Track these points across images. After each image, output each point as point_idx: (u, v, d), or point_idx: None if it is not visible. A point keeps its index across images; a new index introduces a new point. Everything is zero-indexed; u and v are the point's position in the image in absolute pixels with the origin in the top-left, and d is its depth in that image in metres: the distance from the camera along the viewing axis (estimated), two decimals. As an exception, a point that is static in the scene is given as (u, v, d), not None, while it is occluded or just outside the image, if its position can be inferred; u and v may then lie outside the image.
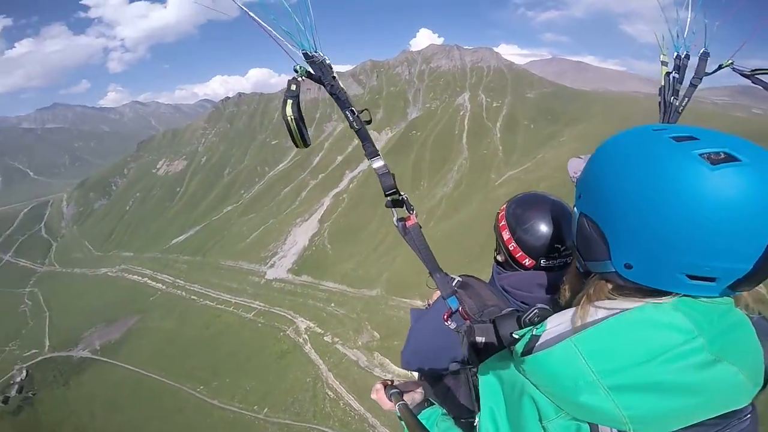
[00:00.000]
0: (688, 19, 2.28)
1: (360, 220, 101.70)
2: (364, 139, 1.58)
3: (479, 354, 1.56)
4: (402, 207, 1.67)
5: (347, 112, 1.53)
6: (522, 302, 1.83)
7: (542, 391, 1.05)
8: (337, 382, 55.29)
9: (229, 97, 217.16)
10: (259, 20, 1.37)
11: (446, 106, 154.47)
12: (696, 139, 0.93)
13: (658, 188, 0.91)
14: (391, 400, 1.58)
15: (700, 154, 0.89)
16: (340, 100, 1.52)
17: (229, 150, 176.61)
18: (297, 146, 1.46)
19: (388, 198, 1.60)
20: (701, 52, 2.29)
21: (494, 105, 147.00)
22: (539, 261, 1.94)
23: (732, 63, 2.25)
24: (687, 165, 0.89)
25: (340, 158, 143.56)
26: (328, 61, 1.50)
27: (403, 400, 1.41)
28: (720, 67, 2.27)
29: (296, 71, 1.42)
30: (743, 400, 1.00)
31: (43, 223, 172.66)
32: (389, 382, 1.71)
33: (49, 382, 70.45)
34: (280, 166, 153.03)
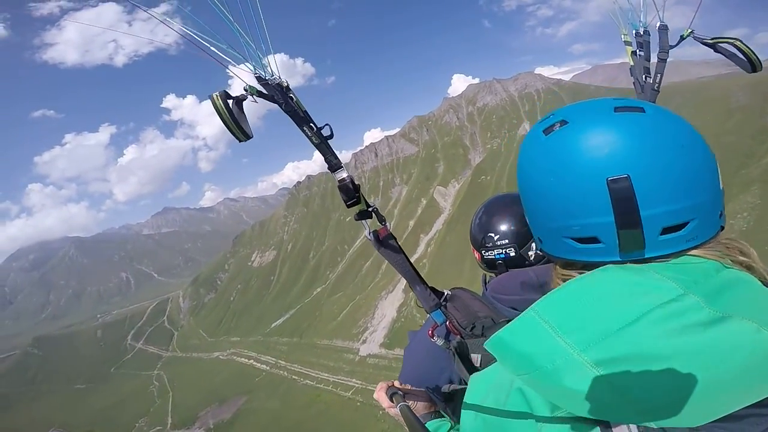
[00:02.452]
0: None
1: (445, 283, 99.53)
2: (325, 153, 1.54)
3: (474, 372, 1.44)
4: (371, 218, 1.61)
5: (304, 128, 1.52)
6: (512, 308, 1.58)
7: (523, 381, 0.82)
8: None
9: (300, 182, 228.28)
10: (212, 44, 1.39)
11: (509, 142, 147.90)
12: (553, 118, 0.96)
13: (519, 167, 1.00)
14: (392, 401, 1.41)
15: (544, 129, 0.94)
16: (297, 116, 1.51)
17: (310, 234, 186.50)
18: (231, 130, 1.36)
19: (349, 207, 1.56)
20: (658, 25, 2.22)
21: None
22: (481, 253, 1.91)
23: (692, 32, 2.16)
24: (530, 140, 0.98)
25: (412, 223, 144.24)
26: (285, 84, 1.52)
27: (405, 402, 1.28)
28: (682, 38, 2.19)
29: (246, 90, 1.42)
30: None
31: (165, 315, 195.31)
32: (392, 383, 1.54)
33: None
34: (357, 242, 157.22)
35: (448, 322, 1.59)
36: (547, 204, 0.95)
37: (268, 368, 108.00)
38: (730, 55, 2.11)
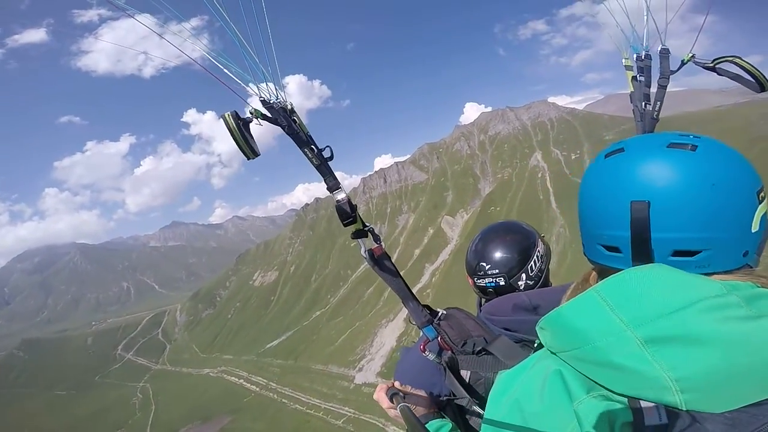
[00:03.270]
0: (645, 19, 2.21)
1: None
2: (324, 174, 1.63)
3: (467, 388, 1.52)
4: (367, 237, 1.68)
5: (305, 150, 1.60)
6: (505, 328, 1.66)
7: (567, 358, 0.93)
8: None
9: (308, 204, 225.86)
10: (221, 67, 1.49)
11: (520, 172, 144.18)
12: (616, 145, 1.08)
13: (581, 182, 1.14)
14: (392, 402, 1.44)
15: (606, 154, 1.08)
16: (299, 138, 1.60)
17: (314, 256, 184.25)
18: (240, 147, 1.47)
19: (346, 226, 1.63)
20: (660, 49, 2.21)
21: (573, 157, 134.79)
22: (474, 280, 1.97)
23: (693, 56, 2.15)
24: (594, 162, 1.11)
25: (417, 251, 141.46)
26: (290, 107, 1.61)
27: (405, 402, 1.31)
28: (683, 63, 2.18)
29: (251, 113, 1.52)
30: None
31: (160, 328, 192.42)
32: (392, 384, 1.59)
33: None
34: (361, 267, 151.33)
35: (439, 338, 1.65)
36: (590, 213, 1.09)
37: (258, 389, 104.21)
38: (734, 77, 2.05)
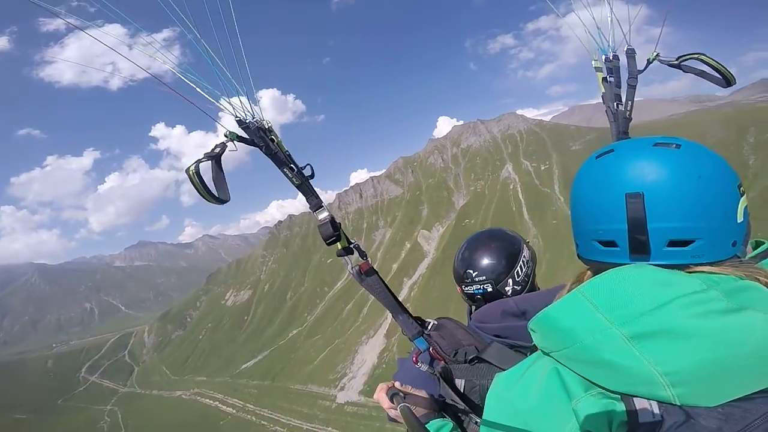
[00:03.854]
0: (610, 20, 2.28)
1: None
2: (306, 193, 1.60)
3: (462, 397, 1.53)
4: (353, 254, 1.68)
5: (285, 171, 1.57)
6: (496, 335, 1.70)
7: (560, 358, 0.98)
8: None
9: (281, 221, 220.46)
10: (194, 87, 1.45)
11: (492, 184, 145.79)
12: (607, 147, 1.14)
13: (572, 184, 1.19)
14: (392, 402, 1.45)
15: (597, 156, 1.14)
16: (277, 159, 1.57)
17: (289, 274, 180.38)
18: (206, 200, 1.40)
19: (329, 245, 1.61)
20: (626, 49, 2.27)
21: (542, 168, 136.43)
22: (462, 287, 1.99)
23: (658, 55, 2.20)
24: (585, 163, 1.17)
25: (395, 266, 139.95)
26: (268, 125, 1.57)
27: (406, 403, 1.31)
28: (649, 62, 2.23)
29: (226, 136, 1.45)
30: None
31: (127, 350, 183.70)
32: (393, 384, 1.59)
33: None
34: (339, 284, 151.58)
35: (431, 349, 1.67)
36: (583, 210, 1.13)
37: (234, 411, 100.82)
38: (699, 73, 2.09)
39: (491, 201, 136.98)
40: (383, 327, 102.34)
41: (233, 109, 1.53)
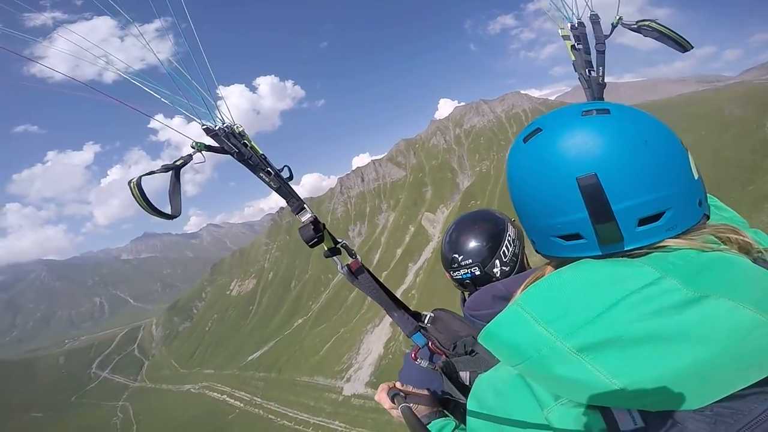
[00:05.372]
0: None
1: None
2: (286, 196, 1.55)
3: (466, 390, 1.44)
4: (341, 254, 1.61)
5: (261, 175, 1.50)
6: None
7: (520, 371, 0.86)
8: None
9: (283, 208, 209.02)
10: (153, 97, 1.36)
11: (498, 164, 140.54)
12: (531, 126, 1.00)
13: (507, 176, 1.04)
14: (393, 402, 1.43)
15: (523, 138, 0.99)
16: (251, 165, 1.50)
17: (293, 262, 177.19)
18: (150, 213, 1.33)
19: (311, 247, 1.54)
20: (590, 15, 2.21)
21: None
22: (450, 274, 1.94)
23: (621, 19, 2.15)
24: (513, 150, 1.02)
25: (399, 251, 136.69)
26: (239, 130, 1.50)
27: (407, 403, 1.31)
28: (613, 26, 2.17)
29: (192, 147, 1.38)
30: None
31: (136, 344, 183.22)
32: (394, 384, 1.56)
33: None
34: None
35: (430, 344, 1.62)
36: (532, 206, 0.99)
37: (242, 405, 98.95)
38: (658, 37, 2.10)
39: (497, 182, 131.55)
40: (388, 316, 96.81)
41: (197, 117, 1.46)
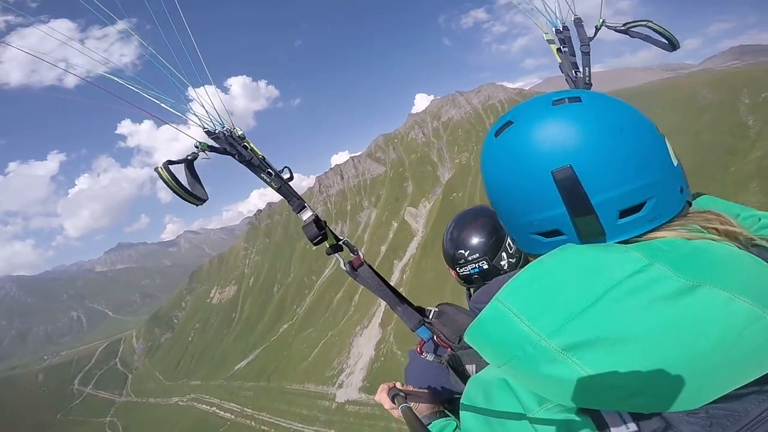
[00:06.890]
0: None
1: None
2: (287, 196, 1.57)
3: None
4: (343, 250, 1.61)
5: (262, 176, 1.54)
6: None
7: (506, 371, 0.80)
8: None
9: (260, 210, 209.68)
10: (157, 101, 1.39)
11: (477, 155, 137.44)
12: (502, 119, 0.96)
13: (481, 172, 1.01)
14: (393, 402, 1.40)
15: (495, 132, 0.95)
16: (252, 166, 1.54)
17: (274, 265, 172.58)
18: (183, 199, 1.38)
19: (316, 245, 1.54)
20: (573, 19, 2.25)
21: None
22: (456, 270, 1.93)
23: (604, 21, 2.19)
24: (485, 145, 0.98)
25: (384, 248, 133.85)
26: (239, 133, 1.54)
27: (407, 403, 1.28)
28: (597, 29, 2.22)
29: (197, 147, 1.42)
30: None
31: (118, 357, 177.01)
32: (394, 384, 1.53)
33: None
34: (326, 272, 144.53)
35: (435, 337, 1.61)
36: (509, 203, 0.96)
37: (232, 417, 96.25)
38: (645, 38, 2.13)
39: (478, 173, 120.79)
40: (377, 316, 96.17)
41: (199, 120, 1.50)
